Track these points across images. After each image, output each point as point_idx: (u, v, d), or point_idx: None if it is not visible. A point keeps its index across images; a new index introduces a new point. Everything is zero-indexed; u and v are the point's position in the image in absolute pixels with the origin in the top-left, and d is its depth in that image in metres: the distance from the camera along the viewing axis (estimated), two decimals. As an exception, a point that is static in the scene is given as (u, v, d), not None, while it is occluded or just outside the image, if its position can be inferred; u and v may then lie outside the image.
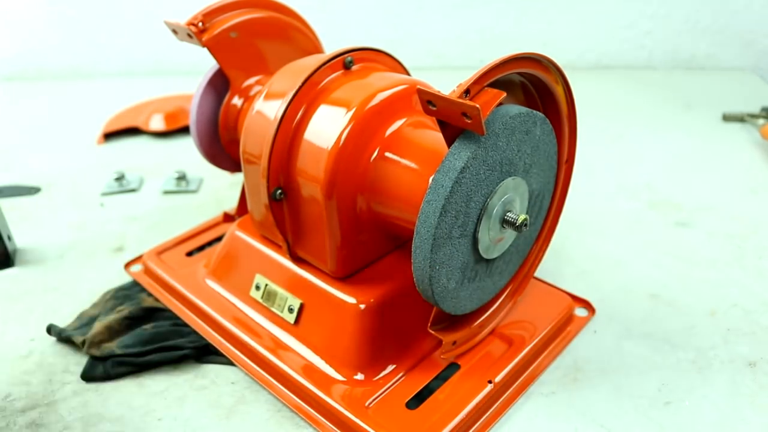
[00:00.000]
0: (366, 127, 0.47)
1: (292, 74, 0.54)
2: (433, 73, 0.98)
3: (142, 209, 0.80)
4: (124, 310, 0.58)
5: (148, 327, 0.57)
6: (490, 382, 0.49)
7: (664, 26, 1.25)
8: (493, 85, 0.38)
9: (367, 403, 0.47)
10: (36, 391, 0.52)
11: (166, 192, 0.84)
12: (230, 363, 0.54)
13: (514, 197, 0.43)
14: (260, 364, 0.53)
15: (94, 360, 0.54)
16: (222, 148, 0.65)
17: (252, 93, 0.61)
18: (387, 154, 0.47)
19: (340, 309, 0.50)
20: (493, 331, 0.53)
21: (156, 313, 0.59)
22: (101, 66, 1.35)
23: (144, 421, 0.49)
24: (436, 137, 0.46)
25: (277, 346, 0.53)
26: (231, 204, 0.74)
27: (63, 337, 0.56)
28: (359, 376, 0.49)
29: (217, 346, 0.55)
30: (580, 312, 0.59)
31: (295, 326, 0.53)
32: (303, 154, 0.48)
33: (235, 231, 0.59)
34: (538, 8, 1.25)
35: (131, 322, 0.57)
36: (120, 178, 0.85)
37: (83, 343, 0.54)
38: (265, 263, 0.56)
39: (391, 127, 0.48)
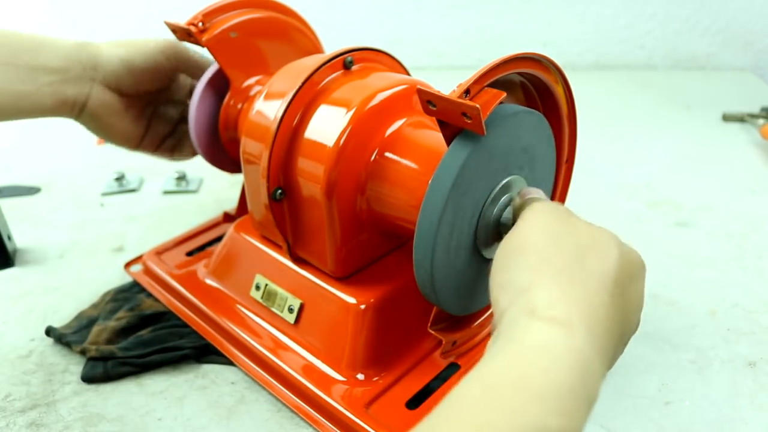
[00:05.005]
0: (366, 127, 0.47)
1: (292, 74, 0.54)
2: (433, 73, 0.98)
3: (142, 209, 0.80)
4: (123, 319, 0.58)
5: (145, 332, 0.57)
6: (490, 382, 0.49)
7: (664, 26, 1.25)
8: (493, 85, 0.38)
9: (367, 403, 0.47)
10: (36, 391, 0.52)
11: (166, 192, 0.84)
12: (230, 363, 0.54)
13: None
14: (260, 364, 0.53)
15: (94, 360, 0.54)
16: (222, 149, 0.65)
17: (252, 93, 0.61)
18: (387, 154, 0.47)
19: (340, 309, 0.50)
20: (493, 331, 0.53)
21: (154, 318, 0.59)
22: (101, 66, 1.34)
23: (144, 421, 0.49)
24: (436, 137, 0.46)
25: (277, 346, 0.53)
26: (231, 204, 0.74)
27: (63, 342, 0.56)
28: (359, 376, 0.49)
29: (217, 346, 0.55)
30: (580, 312, 0.59)
31: (295, 326, 0.53)
32: (303, 154, 0.48)
33: (235, 231, 0.59)
34: (538, 8, 1.25)
35: (129, 330, 0.57)
36: (120, 178, 0.85)
37: (82, 351, 0.54)
38: (265, 263, 0.56)
39: (391, 127, 0.48)
